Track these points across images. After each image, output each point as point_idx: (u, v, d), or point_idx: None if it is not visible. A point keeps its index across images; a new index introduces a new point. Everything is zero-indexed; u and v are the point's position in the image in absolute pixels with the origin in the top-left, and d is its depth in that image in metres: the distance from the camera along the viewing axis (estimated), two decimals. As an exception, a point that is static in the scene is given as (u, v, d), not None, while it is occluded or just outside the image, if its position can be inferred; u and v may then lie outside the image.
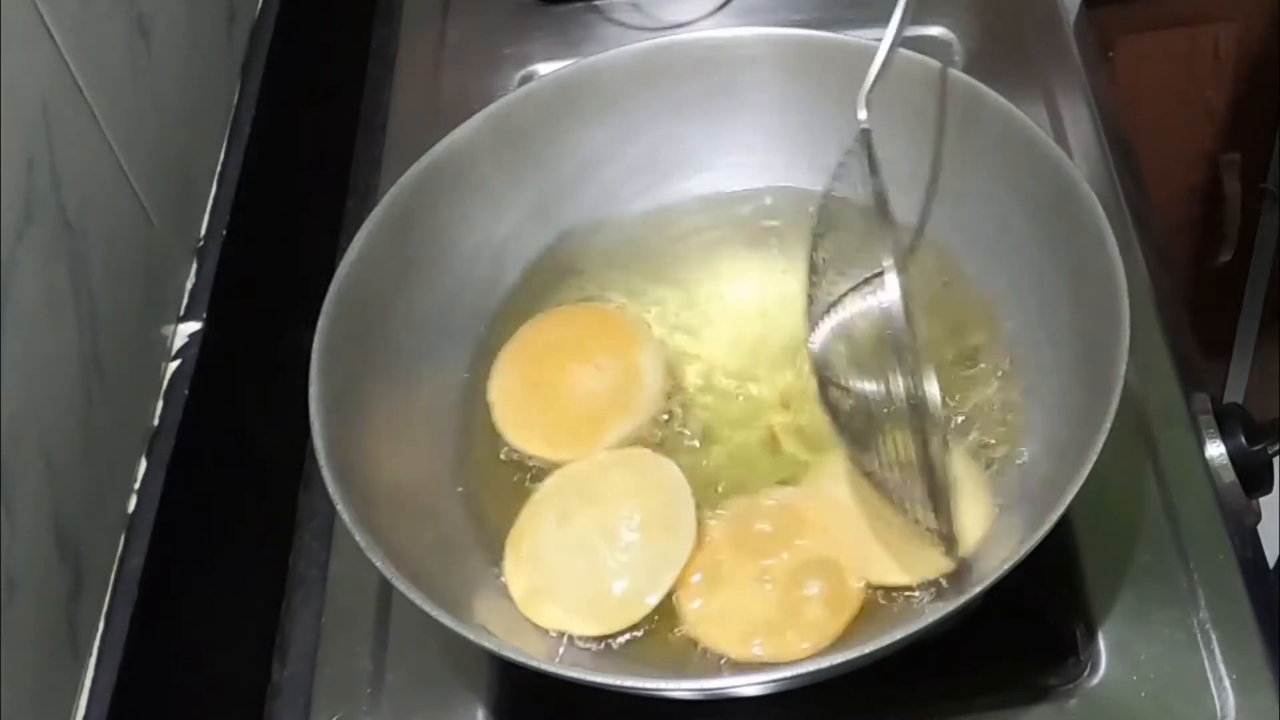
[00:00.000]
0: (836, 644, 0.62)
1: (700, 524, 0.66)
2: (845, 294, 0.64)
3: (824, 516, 0.66)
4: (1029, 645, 0.67)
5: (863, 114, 0.63)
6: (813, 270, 0.64)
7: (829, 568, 0.64)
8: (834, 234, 0.64)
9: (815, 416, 0.68)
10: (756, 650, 0.62)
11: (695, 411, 0.71)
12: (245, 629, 0.71)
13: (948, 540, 0.60)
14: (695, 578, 0.65)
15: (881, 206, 0.61)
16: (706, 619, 0.64)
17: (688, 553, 0.65)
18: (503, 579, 0.65)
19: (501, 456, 0.70)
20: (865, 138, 0.63)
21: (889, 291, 0.58)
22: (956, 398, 0.68)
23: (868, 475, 0.62)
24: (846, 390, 0.63)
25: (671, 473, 0.67)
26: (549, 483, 0.69)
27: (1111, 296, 0.62)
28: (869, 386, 0.63)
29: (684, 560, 0.65)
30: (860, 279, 0.64)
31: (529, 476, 0.69)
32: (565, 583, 0.65)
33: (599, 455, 0.69)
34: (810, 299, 0.64)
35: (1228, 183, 1.27)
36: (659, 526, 0.66)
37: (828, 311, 0.65)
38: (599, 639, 0.63)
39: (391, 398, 0.68)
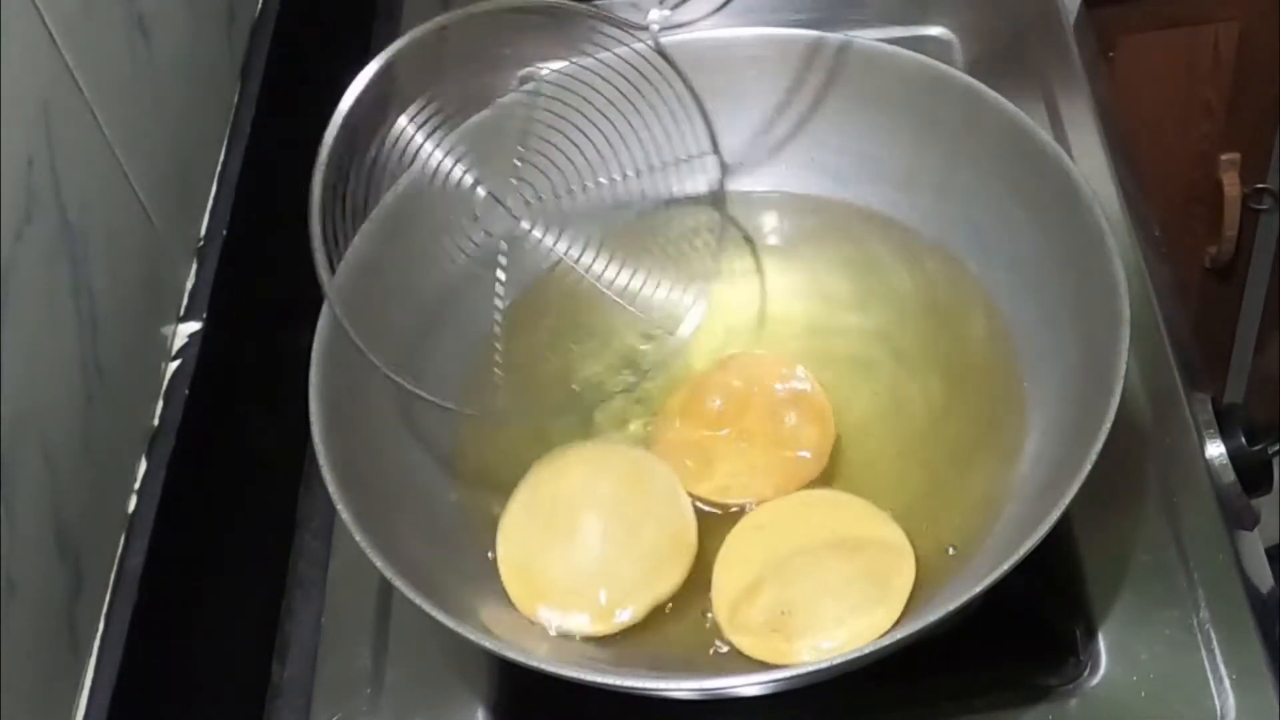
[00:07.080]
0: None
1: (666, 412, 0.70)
2: None
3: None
4: (1029, 645, 0.67)
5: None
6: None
7: (796, 398, 0.68)
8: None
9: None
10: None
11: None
12: (245, 629, 0.71)
13: None
14: (688, 462, 0.68)
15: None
16: (721, 490, 0.67)
17: (688, 562, 0.65)
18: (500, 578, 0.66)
19: (500, 454, 0.70)
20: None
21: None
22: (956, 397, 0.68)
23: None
24: None
25: (670, 480, 0.68)
26: (532, 480, 0.68)
27: (1111, 296, 0.62)
28: None
29: (684, 569, 0.65)
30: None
31: (528, 475, 0.69)
32: (559, 585, 0.65)
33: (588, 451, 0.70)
34: None
35: (1227, 183, 1.27)
36: (658, 531, 0.66)
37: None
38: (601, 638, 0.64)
39: (391, 398, 0.68)
